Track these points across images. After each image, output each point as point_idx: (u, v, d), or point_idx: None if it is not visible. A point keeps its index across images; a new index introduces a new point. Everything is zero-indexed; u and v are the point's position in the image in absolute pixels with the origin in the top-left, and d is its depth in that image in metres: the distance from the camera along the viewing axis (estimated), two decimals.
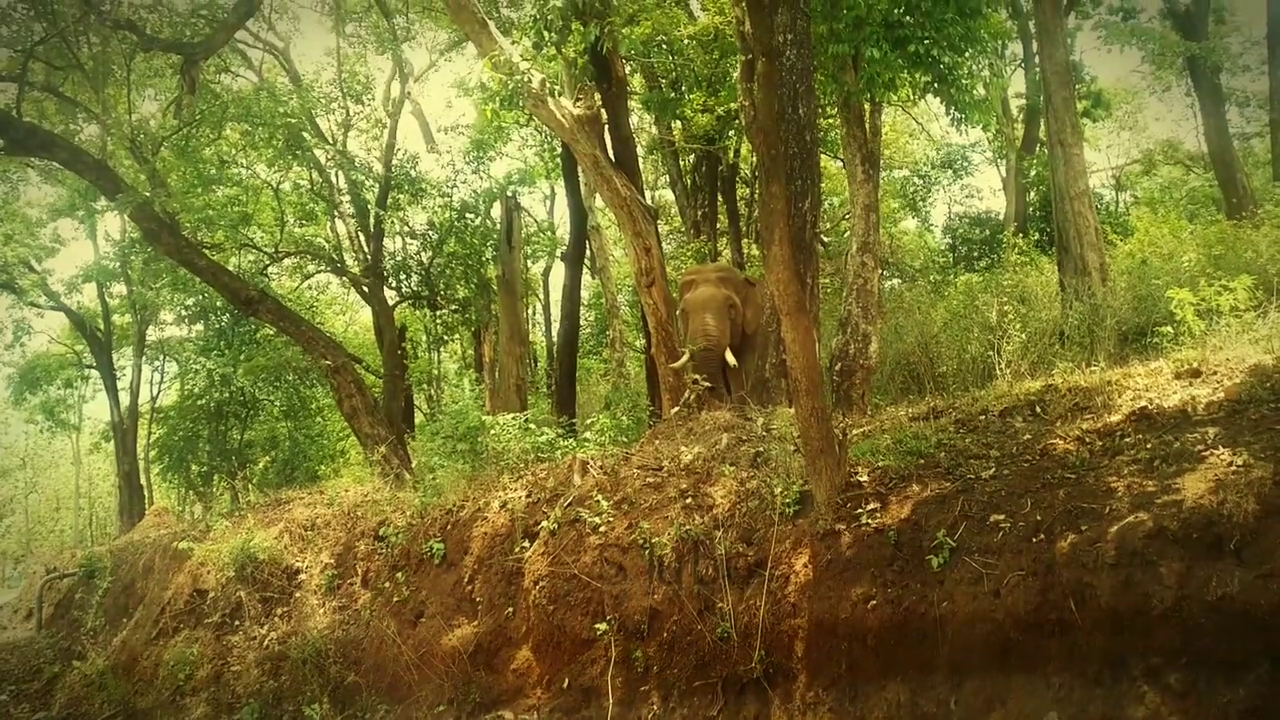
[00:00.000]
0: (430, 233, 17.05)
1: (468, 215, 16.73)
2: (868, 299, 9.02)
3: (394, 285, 17.11)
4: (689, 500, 7.00)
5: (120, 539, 14.46)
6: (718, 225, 17.13)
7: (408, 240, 17.54)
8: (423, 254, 17.29)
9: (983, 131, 18.88)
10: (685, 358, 9.84)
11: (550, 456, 8.81)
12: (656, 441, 8.40)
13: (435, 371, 19.21)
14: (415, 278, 17.21)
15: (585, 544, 7.13)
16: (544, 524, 7.50)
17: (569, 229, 15.78)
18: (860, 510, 6.05)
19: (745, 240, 17.36)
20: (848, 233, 10.78)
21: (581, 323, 19.53)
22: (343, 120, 16.87)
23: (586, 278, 20.14)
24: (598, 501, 7.32)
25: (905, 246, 20.44)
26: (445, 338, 19.30)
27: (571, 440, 9.39)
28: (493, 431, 9.15)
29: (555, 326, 18.62)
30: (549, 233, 20.79)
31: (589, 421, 10.01)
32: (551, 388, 15.97)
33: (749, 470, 7.11)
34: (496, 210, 16.52)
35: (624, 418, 10.87)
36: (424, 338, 19.62)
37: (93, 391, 23.86)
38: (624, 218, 10.76)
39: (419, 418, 17.46)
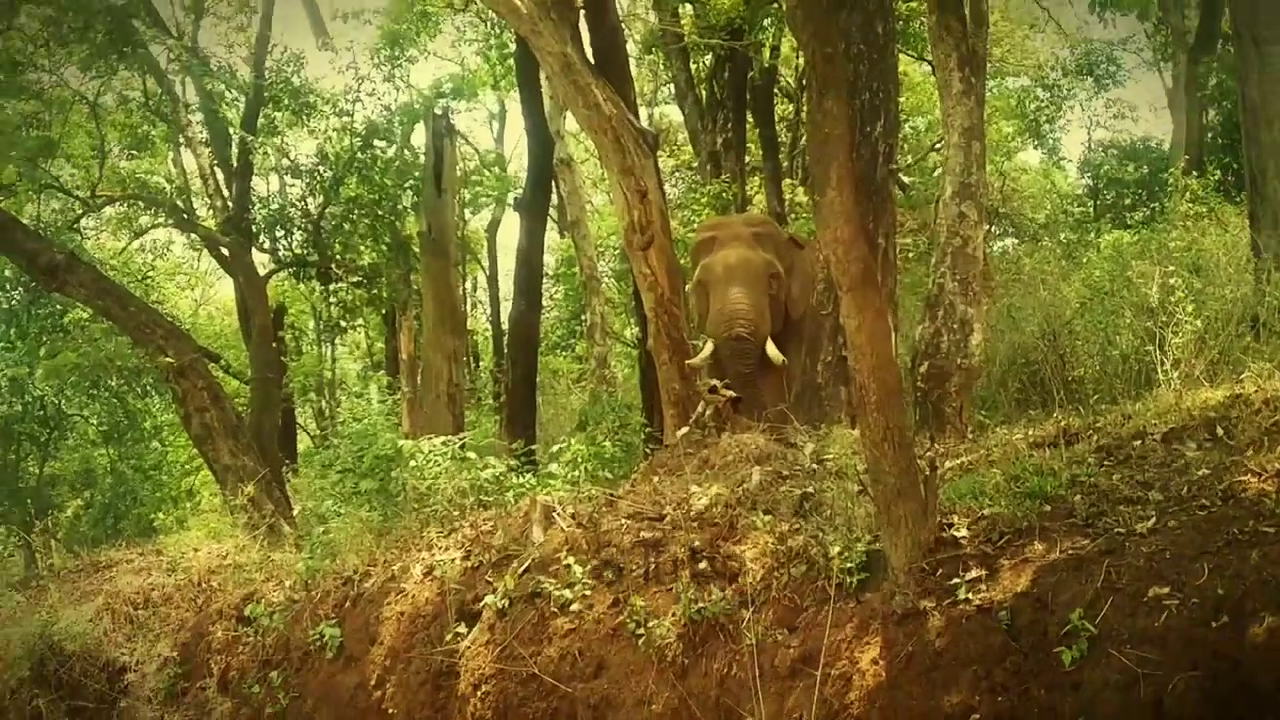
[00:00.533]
0: (322, 169, 16.97)
1: (377, 144, 16.71)
2: (968, 268, 8.97)
3: (267, 246, 17.08)
4: (703, 565, 6.99)
5: None
6: (746, 158, 17.03)
7: (288, 180, 17.64)
8: (310, 200, 17.19)
9: (1138, 21, 18.86)
10: (705, 351, 9.94)
11: (498, 500, 8.92)
12: (655, 478, 8.52)
13: (328, 374, 19.33)
14: (299, 235, 17.18)
15: (550, 629, 7.19)
16: (489, 600, 7.56)
17: (526, 164, 15.83)
18: (957, 580, 5.95)
19: (787, 181, 17.34)
20: (938, 170, 10.78)
21: (546, 303, 20.06)
22: (192, 3, 16.78)
23: (552, 236, 20.45)
24: (568, 567, 7.34)
25: (1024, 190, 20.31)
26: (344, 324, 19.24)
27: (530, 476, 9.46)
28: (413, 463, 9.22)
29: (506, 307, 18.45)
30: (497, 170, 20.76)
31: (555, 448, 9.90)
32: (500, 397, 15.94)
33: (792, 521, 7.09)
34: (419, 136, 16.55)
35: (607, 442, 10.98)
36: (312, 324, 19.76)
37: None
38: (608, 146, 10.65)
39: (304, 442, 17.78)
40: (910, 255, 15.50)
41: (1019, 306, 11.27)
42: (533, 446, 11.32)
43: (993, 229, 19.03)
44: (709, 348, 9.98)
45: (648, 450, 10.66)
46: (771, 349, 9.87)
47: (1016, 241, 18.90)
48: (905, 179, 11.51)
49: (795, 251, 10.48)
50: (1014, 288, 12.03)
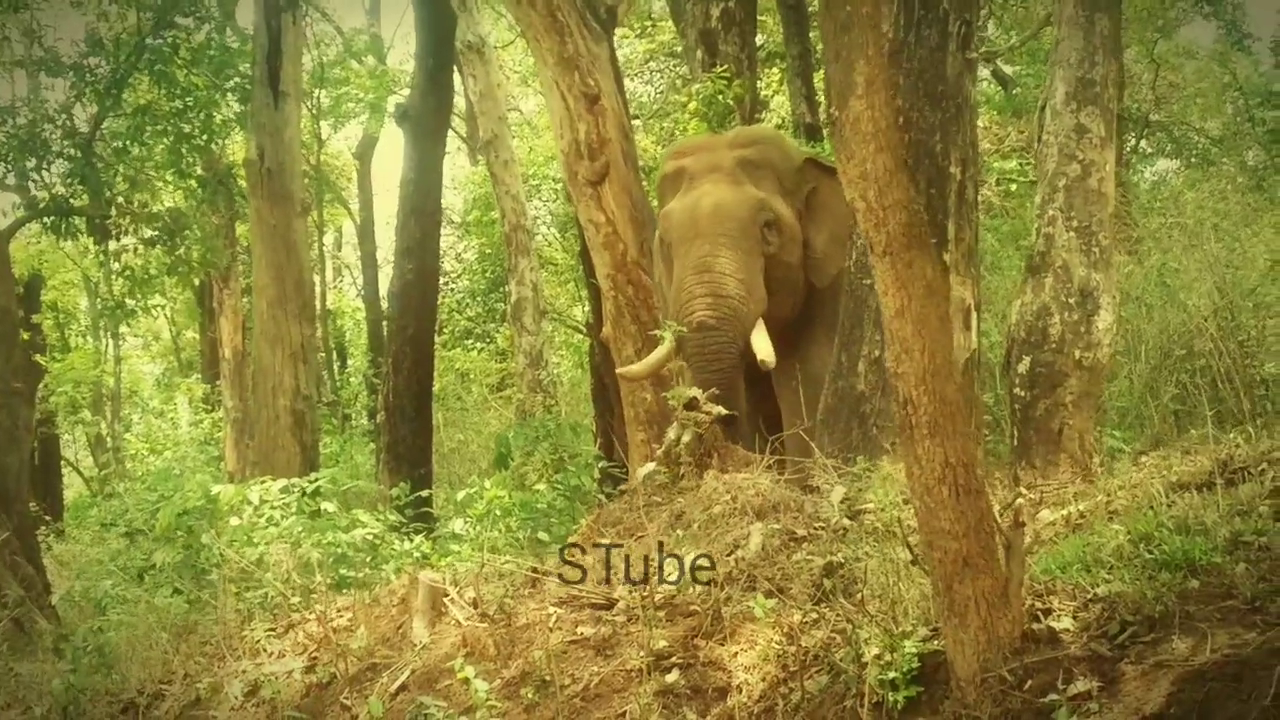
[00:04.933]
0: (91, 61, 15.08)
1: (180, 21, 14.91)
2: (1091, 210, 7.89)
3: (10, 183, 15.41)
4: (674, 677, 6.07)
5: None
6: (759, 39, 14.91)
7: (42, 80, 16.11)
8: (74, 111, 15.46)
9: None
10: (661, 348, 8.80)
11: (372, 576, 8.03)
12: (604, 538, 7.67)
13: (109, 381, 18.67)
14: (58, 165, 15.26)
15: None
16: None
17: (414, 53, 14.34)
18: (1055, 697, 5.03)
19: (823, 75, 16.64)
20: (1050, 59, 9.97)
21: (448, 268, 19.00)
22: None
23: (458, 163, 19.74)
24: (467, 682, 6.18)
25: (1186, 86, 18.99)
26: (132, 304, 17.78)
27: (423, 538, 8.35)
28: (236, 520, 8.26)
29: (385, 276, 18.17)
30: (370, 61, 19.90)
31: (463, 494, 8.74)
32: (378, 416, 14.48)
33: (809, 608, 6.20)
34: (246, 11, 15.13)
35: (542, 485, 10.03)
36: (83, 304, 19.16)
37: None
38: (537, 23, 9.64)
39: (74, 487, 17.13)
40: (1014, 188, 14.22)
41: (1177, 268, 10.06)
42: (425, 492, 10.24)
43: (1141, 144, 17.33)
44: (668, 342, 8.70)
45: (603, 496, 9.41)
46: (760, 342, 8.62)
47: (1177, 165, 17.48)
48: (1006, 70, 11.33)
49: (819, 182, 9.13)
50: (1170, 237, 10.74)
